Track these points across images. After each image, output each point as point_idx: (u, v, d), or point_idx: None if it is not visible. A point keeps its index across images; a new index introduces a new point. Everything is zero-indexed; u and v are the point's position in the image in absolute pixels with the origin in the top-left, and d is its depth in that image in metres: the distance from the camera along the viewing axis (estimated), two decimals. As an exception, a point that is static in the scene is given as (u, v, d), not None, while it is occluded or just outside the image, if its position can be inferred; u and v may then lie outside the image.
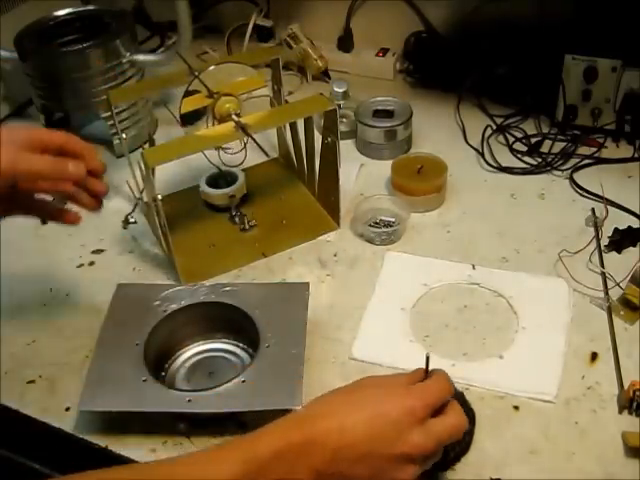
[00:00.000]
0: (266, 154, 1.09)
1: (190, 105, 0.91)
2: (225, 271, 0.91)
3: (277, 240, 0.95)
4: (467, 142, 1.12)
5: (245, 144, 0.94)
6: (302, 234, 0.96)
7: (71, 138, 0.72)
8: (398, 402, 0.58)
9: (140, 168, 0.85)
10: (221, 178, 1.02)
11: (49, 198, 0.76)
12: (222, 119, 0.90)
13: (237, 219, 0.99)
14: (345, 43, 1.33)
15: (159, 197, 0.83)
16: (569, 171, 1.04)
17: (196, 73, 0.90)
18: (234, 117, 0.87)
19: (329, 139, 0.91)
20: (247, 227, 0.97)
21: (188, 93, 0.91)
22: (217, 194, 1.00)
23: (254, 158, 1.05)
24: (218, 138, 0.85)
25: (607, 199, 0.96)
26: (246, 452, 0.54)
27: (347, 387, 0.61)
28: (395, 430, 0.56)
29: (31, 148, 0.69)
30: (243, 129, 0.83)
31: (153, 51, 1.33)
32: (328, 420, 0.57)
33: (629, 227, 0.92)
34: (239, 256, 0.93)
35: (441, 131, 1.15)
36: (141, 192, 0.97)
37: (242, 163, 0.97)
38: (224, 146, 0.93)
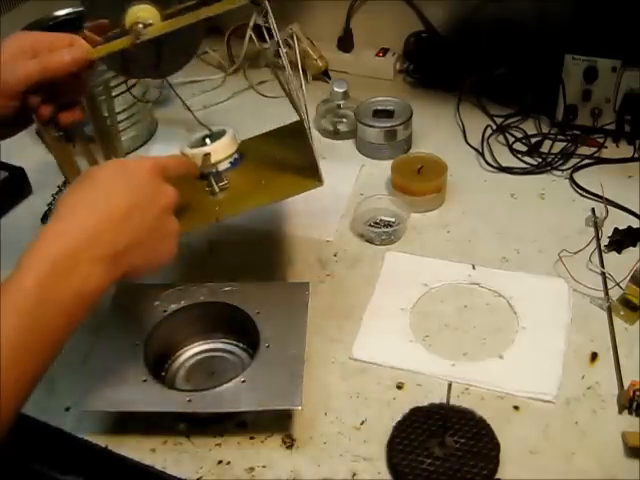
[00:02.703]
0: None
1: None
2: None
3: (239, 202, 0.81)
4: (467, 142, 1.12)
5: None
6: (271, 194, 0.81)
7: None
8: (137, 167, 0.62)
9: None
10: (213, 140, 0.87)
11: None
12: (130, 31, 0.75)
13: (213, 182, 0.82)
14: (345, 43, 1.33)
15: None
16: (569, 171, 1.04)
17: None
18: (139, 26, 0.74)
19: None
20: (217, 190, 0.82)
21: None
22: (190, 154, 0.83)
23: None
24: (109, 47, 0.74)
25: (607, 199, 0.96)
26: (16, 296, 0.51)
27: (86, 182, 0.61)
28: (149, 188, 0.61)
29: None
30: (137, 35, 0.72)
31: (153, 51, 1.33)
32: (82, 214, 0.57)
33: (629, 227, 0.92)
34: (188, 221, 0.75)
35: (441, 131, 1.15)
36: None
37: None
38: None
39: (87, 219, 0.57)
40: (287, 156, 0.85)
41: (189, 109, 0.87)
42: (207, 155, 0.82)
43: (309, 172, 0.78)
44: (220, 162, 0.83)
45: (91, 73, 0.76)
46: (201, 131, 0.87)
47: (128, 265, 0.59)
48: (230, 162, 0.85)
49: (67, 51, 0.69)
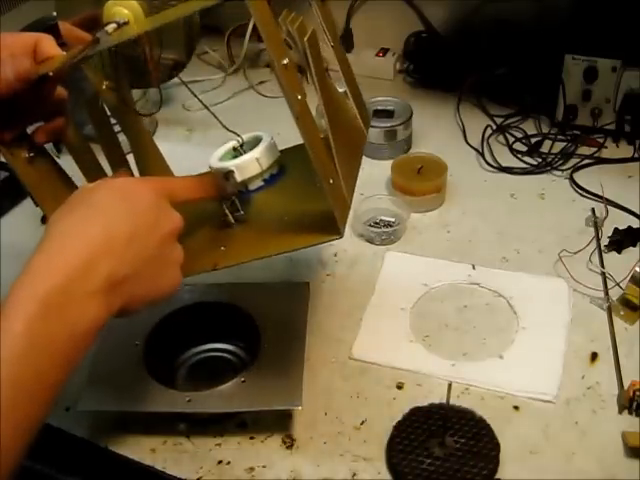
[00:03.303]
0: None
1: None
2: None
3: (246, 246, 0.67)
4: (467, 142, 1.12)
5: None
6: (280, 244, 0.65)
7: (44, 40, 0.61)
8: (140, 189, 0.55)
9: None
10: (247, 150, 0.73)
11: None
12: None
13: (227, 212, 0.69)
14: (345, 43, 1.33)
15: None
16: (569, 171, 1.04)
17: None
18: (107, 28, 0.60)
19: None
20: (232, 221, 0.69)
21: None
22: (211, 171, 0.72)
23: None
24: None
25: (607, 199, 0.96)
26: (5, 340, 0.45)
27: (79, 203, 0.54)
28: (152, 213, 0.54)
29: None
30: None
31: (153, 51, 1.33)
32: (75, 248, 0.50)
33: (629, 227, 0.92)
34: (190, 265, 0.61)
35: (441, 131, 1.15)
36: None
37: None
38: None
39: (81, 248, 0.50)
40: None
41: (217, 118, 0.75)
42: (230, 173, 0.68)
43: (331, 214, 0.61)
44: (250, 180, 0.70)
45: (64, 84, 0.65)
46: (237, 138, 0.75)
47: (127, 297, 0.52)
48: (264, 179, 0.71)
49: (10, 65, 0.58)
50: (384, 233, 0.94)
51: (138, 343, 0.75)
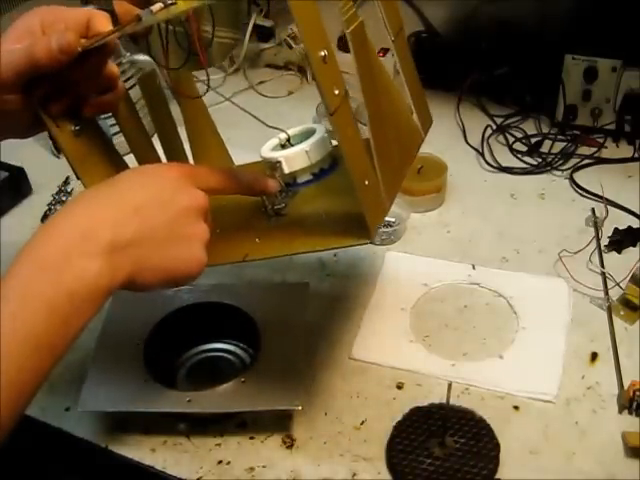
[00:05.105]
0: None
1: None
2: None
3: (278, 241, 0.66)
4: (467, 142, 1.12)
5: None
6: (312, 242, 0.63)
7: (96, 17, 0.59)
8: (163, 169, 0.56)
9: None
10: (297, 141, 0.71)
11: None
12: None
13: (267, 203, 0.68)
14: (345, 43, 1.32)
15: None
16: (569, 171, 1.04)
17: None
18: (157, 5, 0.57)
19: None
20: (272, 214, 0.68)
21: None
22: (259, 162, 0.71)
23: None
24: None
25: (607, 199, 0.96)
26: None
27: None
28: (169, 188, 0.54)
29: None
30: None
31: (153, 51, 1.33)
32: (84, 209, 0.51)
33: (629, 227, 0.92)
34: (222, 253, 0.63)
35: (441, 131, 1.15)
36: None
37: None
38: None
39: (85, 217, 0.50)
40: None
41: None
42: (277, 164, 0.67)
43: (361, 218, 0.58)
44: (298, 173, 0.68)
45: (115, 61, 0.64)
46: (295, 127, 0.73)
47: (134, 264, 0.50)
48: (313, 173, 0.68)
49: (55, 37, 0.56)
50: (384, 233, 0.94)
51: (138, 343, 0.75)
